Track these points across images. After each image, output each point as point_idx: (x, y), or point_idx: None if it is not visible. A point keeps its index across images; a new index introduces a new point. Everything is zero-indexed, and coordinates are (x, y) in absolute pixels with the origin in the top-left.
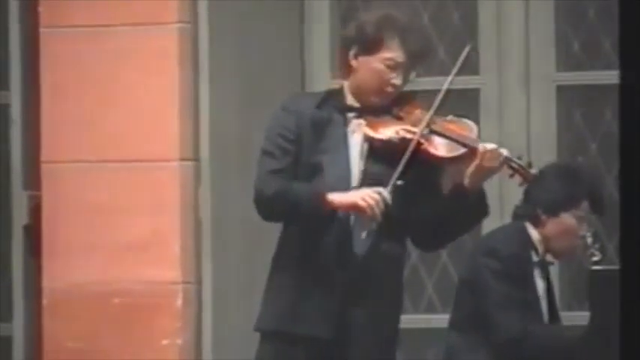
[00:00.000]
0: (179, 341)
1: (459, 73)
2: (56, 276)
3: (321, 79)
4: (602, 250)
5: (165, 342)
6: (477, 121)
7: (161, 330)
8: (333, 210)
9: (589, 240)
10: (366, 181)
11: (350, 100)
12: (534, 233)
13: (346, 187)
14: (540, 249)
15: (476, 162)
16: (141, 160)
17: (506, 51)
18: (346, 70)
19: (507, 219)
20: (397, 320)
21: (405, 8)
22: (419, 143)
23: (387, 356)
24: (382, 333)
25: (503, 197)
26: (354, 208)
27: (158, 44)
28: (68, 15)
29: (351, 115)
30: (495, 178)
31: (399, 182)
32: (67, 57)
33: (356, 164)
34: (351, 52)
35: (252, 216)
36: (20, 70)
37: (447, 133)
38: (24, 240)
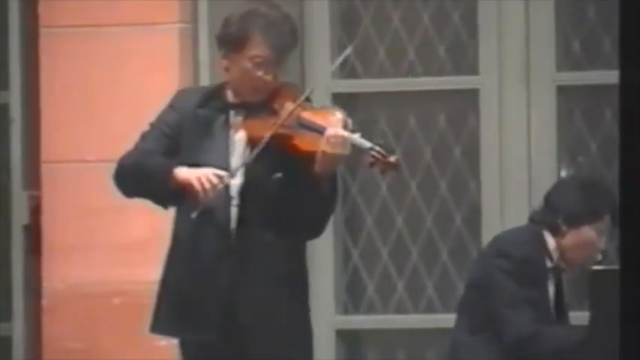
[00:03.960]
0: None
1: (459, 73)
2: (56, 276)
3: (321, 79)
4: (602, 250)
5: (164, 342)
6: (477, 121)
7: None
8: (179, 184)
9: None
10: (251, 177)
11: (231, 97)
12: (551, 241)
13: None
14: (555, 256)
15: (322, 147)
16: None
17: (507, 51)
18: (224, 68)
19: (507, 219)
20: (292, 313)
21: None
22: (289, 137)
23: (288, 354)
24: (272, 326)
25: (504, 197)
26: (189, 186)
27: (158, 44)
28: (68, 15)
29: (232, 112)
30: (495, 178)
31: (278, 175)
32: (67, 57)
33: (240, 161)
34: (221, 52)
35: None
36: (20, 70)
37: (309, 124)
38: (24, 240)
